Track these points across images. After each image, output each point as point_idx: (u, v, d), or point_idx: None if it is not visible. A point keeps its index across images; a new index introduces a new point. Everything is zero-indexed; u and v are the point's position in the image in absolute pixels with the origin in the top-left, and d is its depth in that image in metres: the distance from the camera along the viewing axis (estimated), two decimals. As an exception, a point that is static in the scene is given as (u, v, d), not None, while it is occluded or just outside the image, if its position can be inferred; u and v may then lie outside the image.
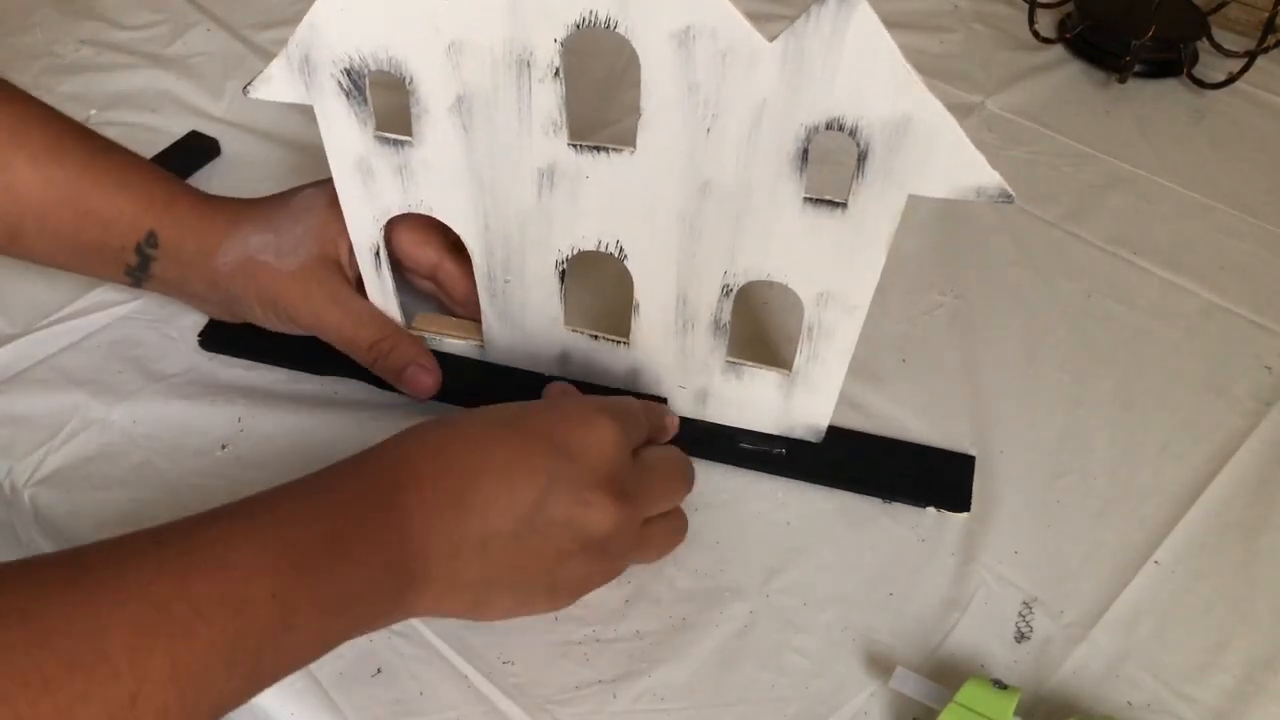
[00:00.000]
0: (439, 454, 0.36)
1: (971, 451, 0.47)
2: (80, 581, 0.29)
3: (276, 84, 0.39)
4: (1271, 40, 0.66)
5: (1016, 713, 0.36)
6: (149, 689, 0.28)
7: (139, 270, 0.46)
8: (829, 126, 0.35)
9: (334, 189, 0.44)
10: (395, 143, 0.41)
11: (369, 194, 0.43)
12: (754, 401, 0.46)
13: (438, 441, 0.37)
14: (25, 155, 0.43)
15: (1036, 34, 0.72)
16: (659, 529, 0.41)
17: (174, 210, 0.45)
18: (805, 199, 0.38)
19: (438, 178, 0.41)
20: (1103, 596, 0.43)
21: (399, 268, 0.49)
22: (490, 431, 0.37)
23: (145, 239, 0.45)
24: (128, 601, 0.29)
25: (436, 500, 0.35)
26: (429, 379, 0.47)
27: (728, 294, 0.42)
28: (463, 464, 0.36)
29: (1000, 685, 0.37)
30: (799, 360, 0.43)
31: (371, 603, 0.34)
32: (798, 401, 0.45)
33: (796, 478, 0.46)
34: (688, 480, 0.41)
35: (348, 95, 0.39)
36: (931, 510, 0.45)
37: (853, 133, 0.35)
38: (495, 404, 0.39)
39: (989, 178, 0.35)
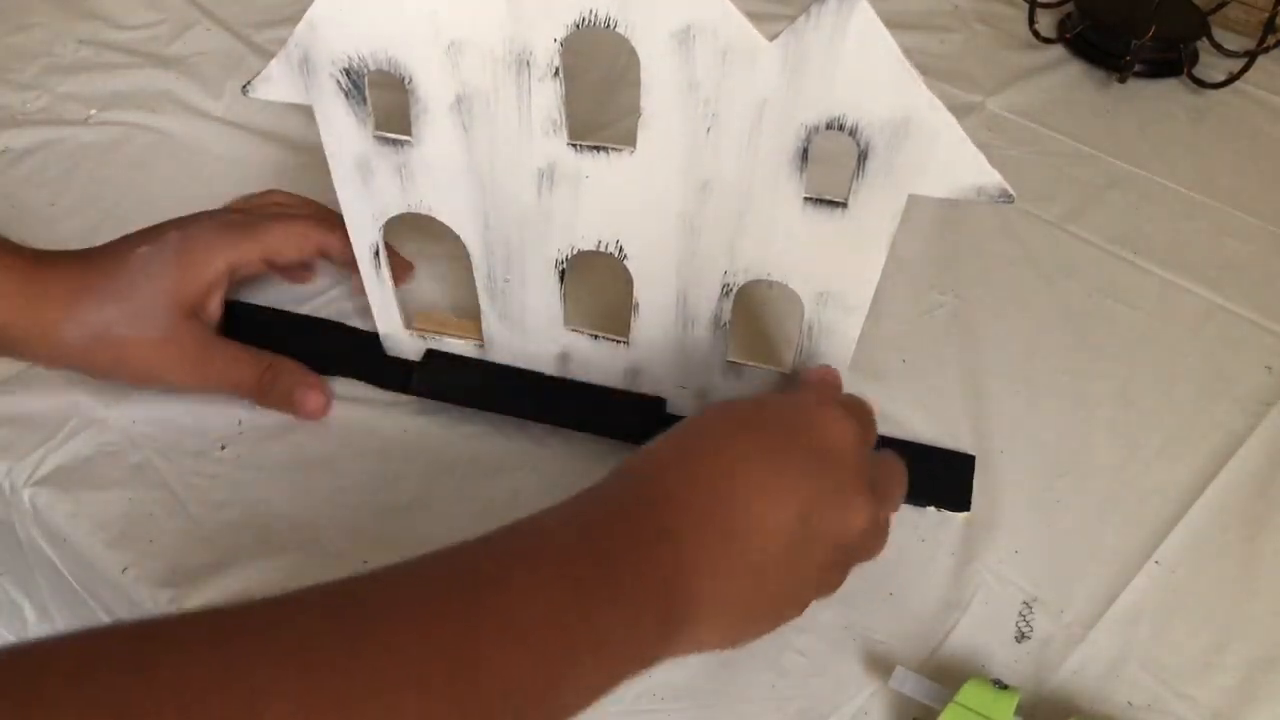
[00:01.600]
0: (690, 474, 0.33)
1: (971, 451, 0.47)
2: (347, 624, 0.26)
3: (276, 84, 0.39)
4: (1271, 40, 0.66)
5: (1016, 713, 0.36)
6: None
7: None
8: (829, 126, 0.35)
9: (172, 240, 0.44)
10: (395, 142, 0.40)
11: (368, 194, 0.43)
12: None
13: (683, 459, 0.34)
14: None
15: (1036, 34, 0.72)
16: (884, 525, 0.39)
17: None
18: (806, 199, 0.38)
19: (437, 177, 0.41)
20: (1103, 596, 0.43)
21: (281, 269, 0.50)
22: (738, 442, 0.34)
23: None
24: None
25: (700, 525, 0.32)
26: (317, 397, 0.46)
27: (728, 293, 0.42)
28: (720, 483, 0.33)
29: (1000, 685, 0.37)
30: (798, 359, 0.43)
31: (639, 639, 0.31)
32: None
33: None
34: (906, 476, 0.39)
35: (347, 95, 0.39)
36: (931, 510, 0.45)
37: (853, 132, 0.35)
38: (721, 403, 0.36)
39: (989, 177, 0.35)
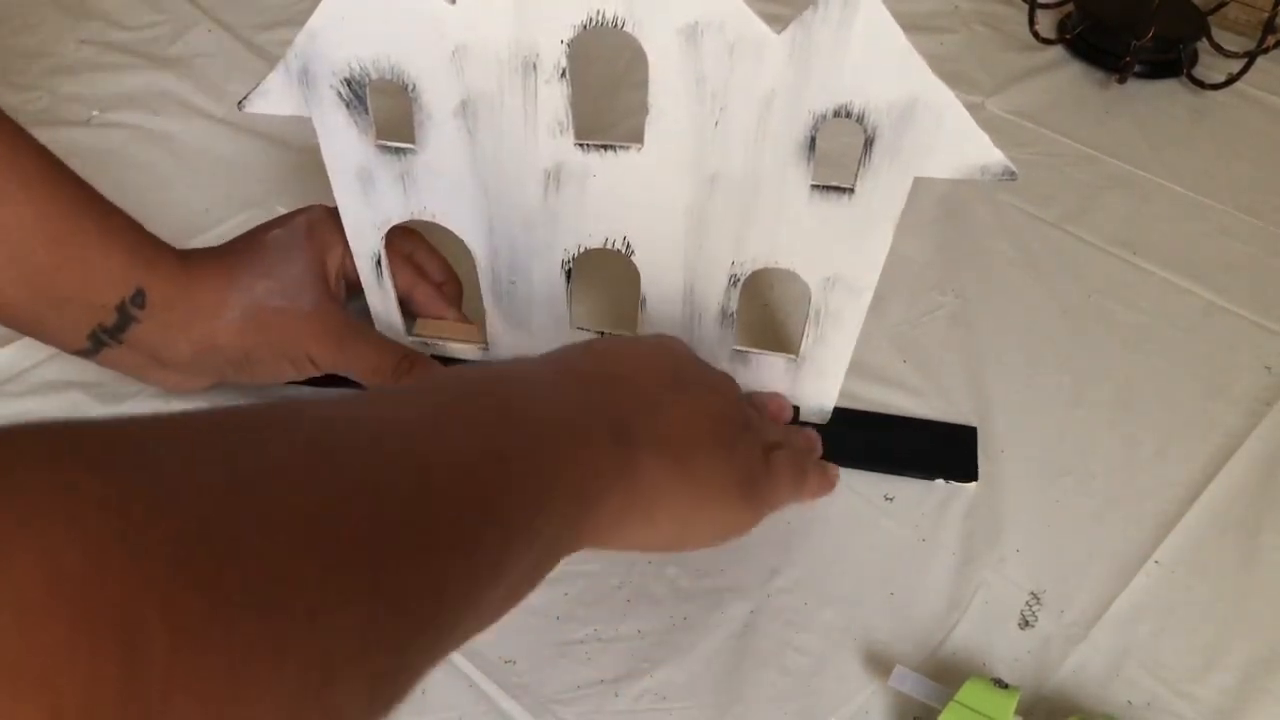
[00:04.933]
0: (571, 353, 0.36)
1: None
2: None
3: (273, 97, 0.39)
4: (1271, 40, 0.66)
5: (1017, 712, 0.36)
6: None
7: (112, 332, 0.41)
8: (837, 114, 0.35)
9: (301, 224, 0.44)
10: (397, 150, 0.40)
11: (370, 203, 0.43)
12: (761, 387, 0.46)
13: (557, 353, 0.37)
14: (19, 183, 0.38)
15: (1036, 35, 0.72)
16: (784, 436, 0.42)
17: (161, 267, 0.42)
18: (813, 186, 0.38)
19: (441, 184, 0.41)
20: (1103, 596, 0.43)
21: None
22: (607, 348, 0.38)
23: (132, 296, 0.41)
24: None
25: (592, 376, 0.35)
26: None
27: (735, 283, 0.42)
28: (600, 354, 0.36)
29: (1001, 684, 0.37)
30: (806, 344, 0.44)
31: (589, 442, 0.32)
32: (805, 385, 0.46)
33: None
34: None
35: (348, 105, 0.39)
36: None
37: (860, 118, 0.35)
38: None
39: (993, 156, 0.35)
